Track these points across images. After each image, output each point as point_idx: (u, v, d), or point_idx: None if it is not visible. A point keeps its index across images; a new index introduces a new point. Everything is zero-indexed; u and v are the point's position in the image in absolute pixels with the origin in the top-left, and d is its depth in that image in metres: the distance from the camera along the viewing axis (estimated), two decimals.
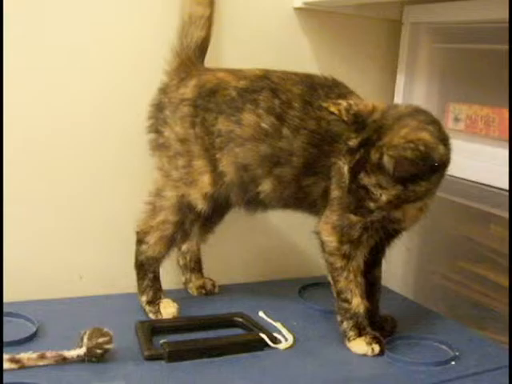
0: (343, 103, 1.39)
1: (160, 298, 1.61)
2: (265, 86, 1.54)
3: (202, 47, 1.69)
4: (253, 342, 1.43)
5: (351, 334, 1.49)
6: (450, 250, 1.94)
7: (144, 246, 1.61)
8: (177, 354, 1.37)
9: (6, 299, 1.54)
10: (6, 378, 1.20)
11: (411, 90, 1.98)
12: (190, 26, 1.67)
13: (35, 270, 1.69)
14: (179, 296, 1.69)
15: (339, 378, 1.37)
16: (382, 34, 2.06)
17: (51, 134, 1.67)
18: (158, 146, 1.63)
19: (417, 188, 1.33)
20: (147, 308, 1.60)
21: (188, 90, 1.60)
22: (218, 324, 1.56)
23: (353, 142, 1.36)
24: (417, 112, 1.40)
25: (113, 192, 1.75)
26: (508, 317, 1.53)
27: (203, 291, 1.79)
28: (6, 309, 1.51)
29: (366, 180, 1.33)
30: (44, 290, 1.65)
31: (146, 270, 1.62)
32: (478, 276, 1.81)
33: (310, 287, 1.85)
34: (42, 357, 1.30)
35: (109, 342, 1.32)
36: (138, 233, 1.62)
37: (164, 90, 1.64)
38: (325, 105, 1.41)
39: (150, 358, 1.37)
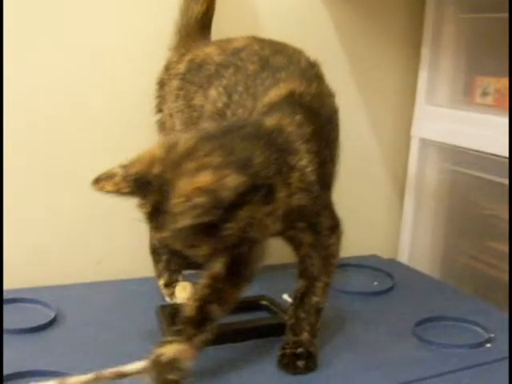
0: (118, 172, 1.13)
1: (176, 280, 1.59)
2: (233, 62, 1.45)
3: (203, 22, 1.65)
4: (279, 326, 1.38)
5: None
6: (477, 230, 1.89)
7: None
8: None
9: (23, 285, 1.53)
10: None
11: (437, 64, 1.92)
12: (191, 1, 1.63)
13: (53, 256, 1.67)
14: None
15: (368, 361, 1.33)
16: (406, 5, 2.00)
17: (71, 117, 1.65)
18: (160, 125, 1.61)
19: (229, 231, 1.09)
20: (164, 291, 1.58)
21: (182, 65, 1.56)
22: (241, 307, 1.50)
23: (145, 209, 1.14)
24: (197, 142, 1.13)
25: None
26: (508, 315, 1.47)
27: None
28: (23, 294, 1.49)
29: (176, 245, 1.13)
30: (62, 276, 1.63)
31: (160, 253, 1.60)
32: (506, 256, 1.76)
33: None
34: (98, 378, 1.15)
35: None
36: None
37: (166, 67, 1.61)
38: (96, 185, 1.15)
39: None
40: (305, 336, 1.29)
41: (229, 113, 1.39)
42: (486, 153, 1.66)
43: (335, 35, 1.91)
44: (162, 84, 1.60)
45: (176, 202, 1.06)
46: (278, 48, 1.44)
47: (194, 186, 1.05)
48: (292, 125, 1.22)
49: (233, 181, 1.06)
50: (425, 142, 1.96)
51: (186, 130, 1.49)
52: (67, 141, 1.66)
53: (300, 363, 1.27)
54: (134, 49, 1.69)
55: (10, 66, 1.55)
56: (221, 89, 1.42)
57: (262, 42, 1.47)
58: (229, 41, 1.53)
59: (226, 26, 1.69)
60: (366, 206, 2.04)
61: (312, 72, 1.40)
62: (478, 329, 1.47)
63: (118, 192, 1.13)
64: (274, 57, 1.40)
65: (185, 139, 1.14)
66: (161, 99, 1.60)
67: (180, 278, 1.59)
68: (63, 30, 1.61)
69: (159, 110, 1.61)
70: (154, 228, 1.14)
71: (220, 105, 1.41)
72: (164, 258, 1.59)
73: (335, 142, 1.36)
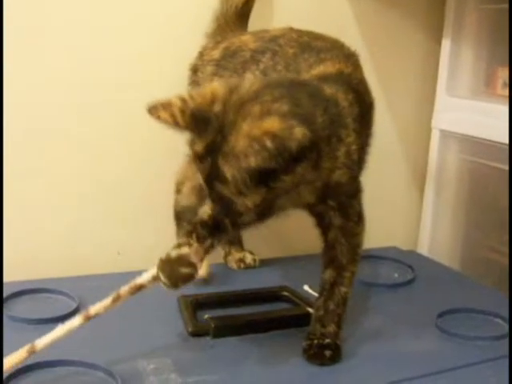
0: (176, 102, 1.11)
1: None
2: (270, 47, 1.45)
3: (243, 12, 1.66)
4: (300, 317, 1.38)
5: None
6: (498, 221, 1.87)
7: (179, 196, 1.59)
8: (223, 330, 1.32)
9: (44, 275, 1.54)
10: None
11: (458, 55, 1.91)
12: None
13: (74, 247, 1.68)
14: (218, 270, 1.67)
15: (390, 353, 1.32)
16: None
17: (90, 108, 1.65)
18: None
19: (282, 184, 1.10)
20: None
21: (217, 52, 1.56)
22: (262, 298, 1.51)
23: (198, 147, 1.12)
24: (264, 87, 1.13)
25: (150, 168, 1.73)
26: (508, 314, 1.46)
27: (242, 265, 1.74)
28: (45, 285, 1.49)
29: (223, 189, 1.11)
30: (82, 267, 1.63)
31: (182, 219, 1.60)
32: None
33: None
34: (117, 298, 1.23)
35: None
36: (176, 183, 1.60)
37: (201, 54, 1.61)
38: (153, 112, 1.12)
39: (195, 334, 1.33)
40: (332, 327, 1.29)
41: None
42: (507, 144, 1.64)
43: (355, 26, 1.90)
44: (195, 70, 1.60)
45: (242, 142, 1.05)
46: (318, 36, 1.46)
47: (262, 129, 1.05)
48: (346, 101, 1.23)
49: (300, 132, 1.05)
50: (445, 134, 1.95)
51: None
52: (84, 142, 1.66)
53: (327, 353, 1.27)
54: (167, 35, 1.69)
55: (11, 62, 1.53)
56: (257, 72, 1.43)
57: (299, 31, 1.49)
58: (266, 30, 1.54)
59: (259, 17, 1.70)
60: (386, 198, 2.03)
61: (354, 59, 1.42)
62: (500, 321, 1.46)
63: (174, 123, 1.11)
64: (315, 41, 1.42)
65: (250, 82, 1.14)
66: (194, 85, 1.59)
67: None
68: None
69: None
70: (201, 169, 1.13)
71: None
72: (185, 223, 1.58)
73: (371, 130, 1.39)
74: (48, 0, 1.56)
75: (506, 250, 1.81)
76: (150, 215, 1.73)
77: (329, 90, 1.21)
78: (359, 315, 1.47)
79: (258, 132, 1.05)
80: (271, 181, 1.08)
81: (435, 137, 1.98)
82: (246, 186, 1.07)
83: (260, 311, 1.44)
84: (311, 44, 1.41)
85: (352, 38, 1.87)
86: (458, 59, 1.91)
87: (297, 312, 1.43)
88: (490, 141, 1.78)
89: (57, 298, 1.47)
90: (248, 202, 1.10)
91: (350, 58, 1.41)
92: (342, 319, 1.31)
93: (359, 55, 1.45)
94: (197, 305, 1.44)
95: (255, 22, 1.69)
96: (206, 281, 1.57)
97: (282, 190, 1.10)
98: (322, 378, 1.22)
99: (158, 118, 1.11)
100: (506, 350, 1.32)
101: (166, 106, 1.11)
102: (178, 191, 1.59)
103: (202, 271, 1.55)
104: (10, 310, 1.37)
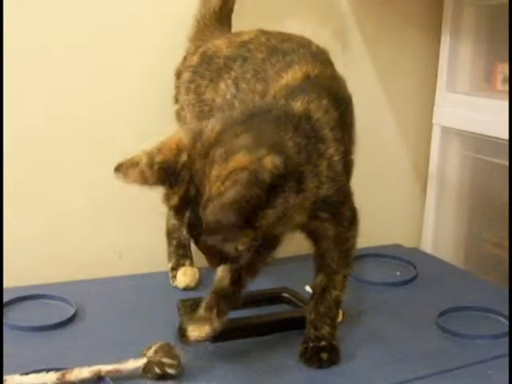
0: (142, 159, 1.07)
1: (183, 264, 1.61)
2: (241, 54, 1.44)
3: (222, 15, 1.63)
4: (300, 319, 1.37)
5: None
6: (501, 217, 1.86)
7: (169, 215, 1.57)
8: (222, 334, 1.30)
9: (45, 280, 1.53)
10: None
11: (456, 51, 1.90)
12: None
13: (75, 250, 1.67)
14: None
15: (391, 353, 1.31)
16: None
17: (90, 109, 1.65)
18: (177, 116, 1.60)
19: (267, 220, 1.05)
20: (170, 274, 1.61)
21: (195, 57, 1.55)
22: (263, 299, 1.50)
23: (173, 202, 1.09)
24: (224, 128, 1.09)
25: None
26: (508, 312, 1.45)
27: None
28: (44, 291, 1.49)
29: (210, 240, 1.07)
30: (84, 270, 1.62)
31: (171, 236, 1.64)
32: None
33: (356, 259, 1.79)
34: (97, 373, 1.16)
35: (172, 367, 1.18)
36: None
37: (184, 58, 1.60)
38: (120, 172, 1.08)
39: None
40: (326, 330, 1.28)
41: (236, 102, 1.38)
42: (508, 140, 1.63)
43: (354, 22, 1.89)
44: (178, 75, 1.59)
45: (215, 187, 1.02)
46: (285, 37, 1.43)
47: (229, 168, 1.02)
48: (320, 110, 1.20)
49: (269, 161, 1.02)
50: (446, 130, 1.94)
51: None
52: (89, 129, 1.66)
53: (324, 355, 1.26)
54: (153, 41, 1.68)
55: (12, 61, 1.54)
56: (229, 81, 1.42)
57: (268, 33, 1.46)
58: (238, 34, 1.52)
59: (247, 17, 1.68)
60: (388, 195, 2.02)
61: (323, 56, 1.39)
62: (502, 319, 1.45)
63: (143, 181, 1.07)
64: (282, 44, 1.39)
65: (211, 125, 1.10)
66: (178, 90, 1.59)
67: (187, 263, 1.61)
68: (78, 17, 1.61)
69: (176, 101, 1.60)
70: (180, 224, 1.10)
71: (228, 96, 1.40)
72: (175, 242, 1.63)
73: (353, 128, 1.34)
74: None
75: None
76: (152, 217, 1.71)
77: (298, 105, 1.18)
78: (359, 315, 1.46)
79: (225, 173, 1.02)
80: (254, 220, 1.04)
81: (436, 133, 1.97)
82: (229, 231, 1.04)
83: (260, 314, 1.43)
84: (278, 47, 1.38)
85: (351, 36, 1.88)
86: (458, 55, 1.90)
87: (297, 314, 1.42)
88: (490, 137, 1.76)
89: (55, 304, 1.46)
90: (239, 245, 1.07)
91: (318, 56, 1.37)
92: (336, 321, 1.31)
93: (329, 52, 1.42)
94: (196, 308, 1.42)
95: (252, 23, 1.67)
96: (193, 288, 1.58)
97: (269, 225, 1.06)
98: (322, 381, 1.22)
99: (127, 177, 1.08)
100: (507, 349, 1.31)
101: (133, 164, 1.08)
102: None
103: (188, 279, 1.58)
104: (6, 317, 1.36)
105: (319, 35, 1.78)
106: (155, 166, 1.07)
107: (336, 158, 1.19)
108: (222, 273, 1.29)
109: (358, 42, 1.90)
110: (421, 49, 2.00)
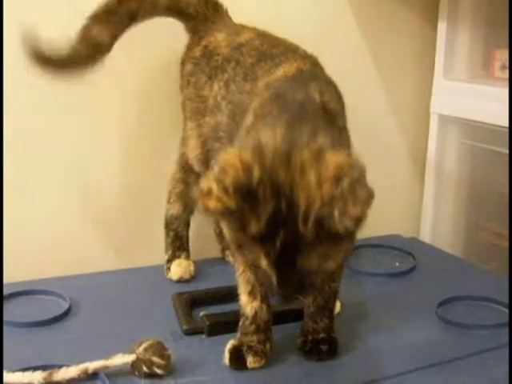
0: (213, 186, 0.97)
1: (178, 257, 1.60)
2: (235, 56, 1.42)
3: (216, 3, 1.60)
4: (297, 312, 1.35)
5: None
6: (500, 206, 1.85)
7: (168, 205, 1.62)
8: (218, 327, 1.30)
9: (39, 276, 1.52)
10: None
11: (454, 37, 1.87)
12: None
13: (70, 245, 1.66)
14: (215, 265, 1.66)
15: (391, 345, 1.30)
16: None
17: (85, 106, 1.63)
18: (182, 107, 1.58)
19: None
20: (165, 266, 1.60)
21: (198, 49, 1.53)
22: None
23: (256, 227, 0.98)
24: (288, 132, 1.02)
25: (149, 164, 1.71)
26: (508, 310, 1.43)
27: None
28: (38, 286, 1.48)
29: (308, 263, 1.00)
30: (79, 265, 1.61)
31: (169, 228, 1.62)
32: None
33: (354, 250, 1.77)
34: (85, 371, 1.13)
35: (161, 367, 1.14)
36: (167, 192, 1.63)
37: (188, 48, 1.58)
38: (201, 208, 0.99)
39: (190, 333, 1.31)
40: (325, 322, 1.26)
41: (223, 104, 1.36)
42: (507, 127, 1.61)
43: (350, 11, 1.87)
44: (183, 64, 1.57)
45: (325, 190, 0.94)
46: (275, 43, 1.41)
47: (331, 168, 0.96)
48: (333, 100, 1.18)
49: (359, 159, 1.01)
50: (444, 118, 1.92)
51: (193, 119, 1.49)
52: (89, 122, 1.64)
53: (324, 347, 1.24)
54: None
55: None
56: (221, 83, 1.40)
57: (263, 36, 1.45)
58: (238, 32, 1.50)
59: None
60: (386, 185, 1.98)
61: (312, 59, 1.37)
62: (502, 308, 1.44)
63: (225, 208, 0.97)
64: (271, 50, 1.37)
65: (270, 132, 1.02)
66: (182, 80, 1.58)
67: (183, 255, 1.60)
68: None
69: (182, 91, 1.59)
70: (265, 252, 0.99)
71: (218, 98, 1.39)
72: (172, 234, 1.61)
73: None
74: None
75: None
76: (147, 211, 1.72)
77: (317, 95, 1.15)
78: (358, 306, 1.45)
79: (332, 171, 0.96)
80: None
81: (434, 121, 1.94)
82: (335, 245, 0.99)
83: None
84: (267, 53, 1.36)
85: (347, 24, 1.86)
86: (455, 42, 1.88)
87: (294, 307, 1.40)
88: (488, 124, 1.75)
89: (49, 299, 1.45)
90: (334, 261, 1.03)
91: (307, 57, 1.36)
92: (333, 312, 1.28)
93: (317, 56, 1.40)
94: (192, 302, 1.41)
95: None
96: (187, 280, 1.57)
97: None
98: (320, 374, 1.20)
99: (208, 208, 0.97)
100: (508, 339, 1.30)
101: (206, 194, 0.97)
102: (168, 200, 1.61)
103: (182, 271, 1.58)
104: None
105: (313, 22, 1.78)
106: (230, 189, 0.96)
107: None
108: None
109: (354, 30, 1.88)
110: (417, 36, 1.97)
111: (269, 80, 1.26)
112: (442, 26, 1.89)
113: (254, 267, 1.10)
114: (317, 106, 1.13)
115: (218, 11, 1.60)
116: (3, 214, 1.47)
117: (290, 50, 1.37)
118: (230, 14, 1.61)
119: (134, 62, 1.64)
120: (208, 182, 0.98)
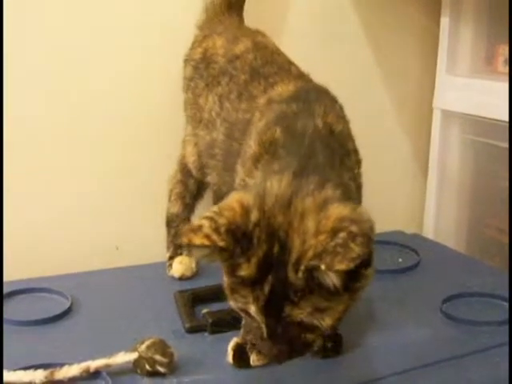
0: (205, 224, 0.95)
1: (180, 254, 1.59)
2: (229, 70, 1.41)
3: (231, 3, 1.59)
4: None
5: None
6: (503, 201, 1.83)
7: (169, 203, 1.62)
8: (221, 325, 1.28)
9: (39, 273, 1.51)
10: None
11: (457, 33, 1.86)
12: None
13: (70, 242, 1.65)
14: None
15: (395, 342, 1.29)
16: None
17: (85, 102, 1.62)
18: (184, 105, 1.58)
19: (364, 281, 0.99)
20: (167, 263, 1.59)
21: (199, 51, 1.52)
22: None
23: (247, 270, 0.95)
24: (293, 180, 1.00)
25: (149, 162, 1.70)
26: (508, 308, 1.41)
27: None
28: (39, 284, 1.47)
29: (297, 313, 0.96)
30: (80, 262, 1.60)
31: (170, 226, 1.62)
32: None
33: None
34: (86, 370, 1.12)
35: (163, 365, 1.13)
36: (168, 190, 1.63)
37: (192, 45, 1.57)
38: (185, 241, 0.95)
39: (192, 331, 1.30)
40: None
41: (219, 121, 1.36)
42: (509, 123, 1.60)
43: (352, 6, 1.86)
44: (185, 64, 1.57)
45: (321, 239, 0.91)
46: (270, 59, 1.39)
47: (332, 218, 0.93)
48: (339, 122, 1.16)
49: (366, 212, 0.97)
50: (447, 114, 1.91)
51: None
52: (89, 122, 1.64)
53: (329, 344, 1.22)
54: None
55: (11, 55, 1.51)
56: (216, 97, 1.39)
57: (258, 49, 1.43)
58: (235, 40, 1.47)
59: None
60: (389, 181, 2.00)
61: (305, 77, 1.36)
62: (506, 304, 1.42)
63: (212, 245, 0.94)
64: (264, 67, 1.36)
65: (275, 180, 1.00)
66: (184, 81, 1.57)
67: (185, 252, 1.59)
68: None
69: (184, 91, 1.58)
70: (255, 297, 0.96)
71: (213, 114, 1.39)
72: (173, 231, 1.61)
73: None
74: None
75: None
76: (148, 208, 1.71)
77: (321, 122, 1.13)
78: (361, 303, 1.42)
79: (331, 223, 0.93)
80: (356, 280, 0.96)
81: (437, 117, 1.94)
82: (328, 298, 0.95)
83: None
84: (260, 71, 1.34)
85: (349, 19, 1.85)
86: (458, 37, 1.87)
87: None
88: (492, 119, 1.74)
89: (51, 297, 1.44)
90: (327, 318, 0.97)
91: (300, 76, 1.35)
92: None
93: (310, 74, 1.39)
94: (194, 299, 1.40)
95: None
96: (189, 277, 1.56)
97: (360, 291, 1.00)
98: (324, 372, 1.19)
99: (191, 244, 0.95)
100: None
101: (196, 229, 0.95)
102: (169, 198, 1.61)
103: (183, 268, 1.57)
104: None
105: (317, 18, 1.77)
106: (221, 229, 0.94)
107: (356, 170, 1.17)
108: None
109: (357, 25, 1.87)
110: (420, 31, 1.97)
111: (269, 97, 1.25)
112: (444, 21, 1.87)
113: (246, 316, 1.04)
114: (324, 137, 1.10)
115: (233, 15, 1.59)
116: (3, 213, 1.46)
117: (283, 70, 1.35)
118: None
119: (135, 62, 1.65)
120: (199, 220, 0.97)
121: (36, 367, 1.09)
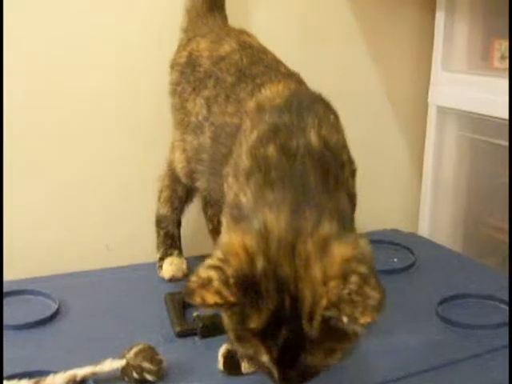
0: (213, 277, 0.91)
1: (170, 255, 1.58)
2: (215, 72, 1.38)
3: (211, 3, 1.57)
4: None
5: None
6: (499, 199, 1.82)
7: (158, 204, 1.61)
8: (212, 329, 1.26)
9: (27, 274, 1.50)
10: None
11: (452, 28, 1.84)
12: None
13: (59, 242, 1.64)
14: None
15: (389, 346, 1.26)
16: None
17: (75, 104, 1.61)
18: (171, 109, 1.55)
19: None
20: (157, 264, 1.58)
21: (184, 55, 1.50)
22: None
23: (257, 322, 0.91)
24: (291, 219, 0.95)
25: (140, 162, 1.69)
26: (508, 308, 1.40)
27: None
28: (26, 286, 1.45)
29: (311, 360, 0.94)
30: (69, 263, 1.59)
31: (159, 227, 1.62)
32: None
33: None
34: (73, 377, 1.09)
35: (152, 373, 1.11)
36: (158, 191, 1.62)
37: (177, 50, 1.55)
38: (194, 298, 0.90)
39: (182, 335, 1.28)
40: None
41: (206, 125, 1.33)
42: (506, 119, 1.59)
43: (347, 2, 1.84)
44: (171, 69, 1.54)
45: (332, 286, 0.88)
46: (256, 58, 1.37)
47: (339, 261, 0.90)
48: (333, 133, 1.12)
49: (367, 243, 0.96)
50: (442, 110, 1.89)
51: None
52: (77, 121, 1.62)
53: None
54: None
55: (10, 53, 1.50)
56: (203, 101, 1.37)
57: (244, 49, 1.40)
58: (220, 41, 1.45)
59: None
60: (384, 179, 1.99)
61: (295, 77, 1.33)
62: (503, 306, 1.41)
63: (225, 303, 0.90)
64: (251, 68, 1.33)
65: (274, 220, 0.95)
66: (170, 86, 1.54)
67: (175, 253, 1.59)
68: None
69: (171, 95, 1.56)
70: (267, 350, 0.93)
71: (200, 118, 1.36)
72: (163, 232, 1.60)
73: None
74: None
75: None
76: (139, 208, 1.70)
77: (315, 138, 1.08)
78: None
79: (338, 266, 0.90)
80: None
81: (432, 113, 1.92)
82: (338, 342, 0.94)
83: None
84: (246, 72, 1.32)
85: (344, 15, 1.84)
86: (453, 33, 1.85)
87: None
88: (488, 116, 1.72)
89: (36, 300, 1.42)
90: (340, 354, 0.96)
91: (289, 75, 1.32)
92: None
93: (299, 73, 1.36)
94: (185, 302, 1.37)
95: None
96: (180, 279, 1.54)
97: None
98: (320, 375, 1.16)
99: (206, 301, 0.90)
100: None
101: (205, 283, 0.90)
102: (159, 199, 1.61)
103: (174, 269, 1.56)
104: None
105: (312, 13, 1.75)
106: (230, 281, 0.90)
107: (350, 182, 1.13)
108: None
109: (351, 21, 1.86)
110: (415, 26, 1.95)
111: (259, 103, 1.20)
112: (440, 16, 1.85)
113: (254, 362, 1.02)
114: (317, 154, 1.06)
115: (215, 15, 1.57)
116: None
117: (271, 69, 1.33)
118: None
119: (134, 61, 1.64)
120: (207, 271, 0.92)
121: (20, 376, 1.07)
